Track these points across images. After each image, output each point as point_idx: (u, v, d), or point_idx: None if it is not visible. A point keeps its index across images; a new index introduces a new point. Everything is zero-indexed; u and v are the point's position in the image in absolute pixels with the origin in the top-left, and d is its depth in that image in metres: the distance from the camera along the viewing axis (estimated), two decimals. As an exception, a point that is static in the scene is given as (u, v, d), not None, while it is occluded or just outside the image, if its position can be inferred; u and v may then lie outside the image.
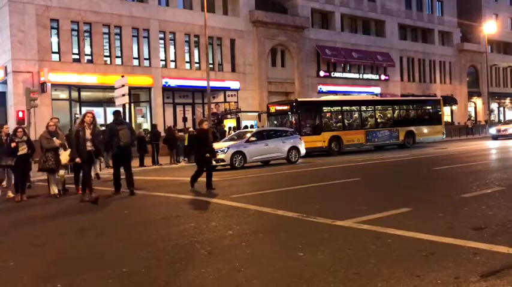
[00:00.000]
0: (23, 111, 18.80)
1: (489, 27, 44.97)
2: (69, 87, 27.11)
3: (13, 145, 10.72)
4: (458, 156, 18.79)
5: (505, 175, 11.35)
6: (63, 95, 27.47)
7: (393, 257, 4.85)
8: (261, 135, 18.80)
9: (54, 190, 11.28)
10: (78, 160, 9.80)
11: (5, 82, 26.60)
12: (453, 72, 49.76)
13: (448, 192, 8.97)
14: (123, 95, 20.24)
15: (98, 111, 28.22)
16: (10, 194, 11.76)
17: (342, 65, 40.41)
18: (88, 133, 9.78)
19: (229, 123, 29.05)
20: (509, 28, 56.11)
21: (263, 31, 35.04)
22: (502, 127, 32.53)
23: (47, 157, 11.07)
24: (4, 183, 12.08)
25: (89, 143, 9.76)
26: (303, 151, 19.46)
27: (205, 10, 25.21)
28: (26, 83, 24.37)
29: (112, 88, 22.27)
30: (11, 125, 25.24)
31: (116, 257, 5.50)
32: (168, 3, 31.77)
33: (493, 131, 32.77)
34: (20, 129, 11.46)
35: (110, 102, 25.19)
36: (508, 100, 55.76)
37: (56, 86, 26.45)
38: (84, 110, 27.69)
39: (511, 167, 13.60)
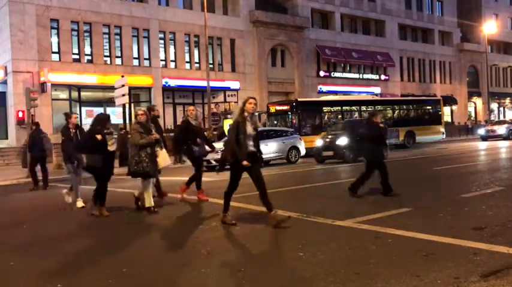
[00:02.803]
0: (23, 111, 18.81)
1: (489, 27, 44.93)
2: (69, 87, 27.10)
3: (99, 137, 7.90)
4: (458, 156, 18.80)
5: (505, 175, 11.35)
6: (63, 95, 27.47)
7: (393, 257, 4.85)
8: (261, 135, 18.76)
9: (151, 201, 8.30)
10: (245, 162, 6.48)
11: (5, 82, 26.60)
12: (453, 72, 49.75)
13: (448, 192, 8.97)
14: (123, 95, 20.23)
15: (98, 111, 28.32)
16: (80, 203, 9.39)
17: (342, 65, 40.40)
18: (250, 128, 6.71)
19: (229, 123, 29.04)
20: (509, 28, 56.08)
21: (263, 31, 35.03)
22: (490, 128, 32.26)
23: (140, 157, 8.12)
24: (69, 199, 9.61)
25: (250, 142, 6.72)
26: (303, 151, 19.46)
27: (205, 10, 25.22)
28: (26, 83, 24.35)
29: (112, 88, 22.26)
30: (11, 126, 25.53)
31: (116, 257, 5.50)
32: (168, 3, 31.76)
33: (481, 131, 32.51)
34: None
35: (110, 102, 25.20)
36: (508, 100, 55.74)
37: (56, 86, 26.44)
38: (84, 110, 27.83)
39: (511, 167, 13.60)
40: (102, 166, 8.01)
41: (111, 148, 8.17)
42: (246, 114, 6.70)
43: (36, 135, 13.74)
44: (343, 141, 17.95)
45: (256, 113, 7.37)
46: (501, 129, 30.87)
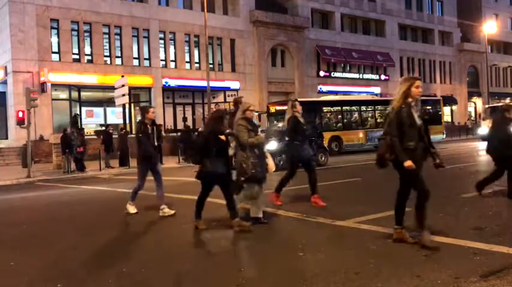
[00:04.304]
0: (23, 111, 18.77)
1: (489, 27, 44.93)
2: (69, 87, 27.10)
3: (222, 137, 6.52)
4: (458, 156, 18.78)
5: (504, 175, 11.33)
6: (63, 95, 27.47)
7: (393, 257, 4.85)
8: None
9: (259, 210, 6.92)
10: (409, 163, 5.06)
11: (5, 82, 26.60)
12: (453, 72, 49.75)
13: (448, 192, 8.96)
14: (123, 95, 20.25)
15: (98, 111, 28.33)
16: (167, 211, 8.03)
17: (342, 65, 40.40)
18: (417, 117, 5.44)
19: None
20: (509, 28, 56.08)
21: (263, 31, 35.04)
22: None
23: (249, 159, 6.69)
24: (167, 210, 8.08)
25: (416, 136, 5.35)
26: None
27: (205, 10, 25.22)
28: (26, 83, 24.34)
29: (112, 88, 22.27)
30: (11, 126, 25.53)
31: (116, 257, 5.50)
32: (168, 3, 31.77)
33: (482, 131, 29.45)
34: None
35: (110, 102, 25.20)
36: (508, 100, 55.66)
37: (56, 86, 26.44)
38: (84, 110, 27.84)
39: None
40: (226, 171, 6.55)
41: (231, 151, 6.74)
42: (410, 99, 5.37)
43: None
44: (272, 146, 16.01)
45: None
46: None
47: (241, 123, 6.73)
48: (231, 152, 6.70)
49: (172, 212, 7.95)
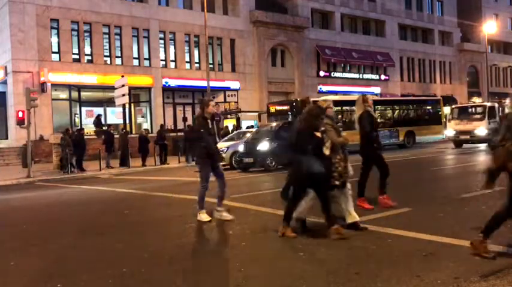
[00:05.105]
0: (23, 111, 18.78)
1: (489, 27, 44.92)
2: (69, 87, 27.10)
3: (318, 134, 5.89)
4: (458, 156, 18.79)
5: (504, 175, 11.32)
6: (63, 95, 27.47)
7: (393, 257, 4.85)
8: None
9: (354, 214, 6.20)
10: None
11: (5, 82, 26.60)
12: (453, 72, 49.76)
13: (448, 192, 8.96)
14: (123, 95, 20.27)
15: (98, 111, 28.32)
16: (225, 215, 7.22)
17: (342, 65, 40.40)
18: None
19: (229, 123, 29.02)
20: (509, 28, 56.08)
21: (263, 31, 35.04)
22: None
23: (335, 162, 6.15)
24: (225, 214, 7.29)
25: None
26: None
27: (205, 10, 25.22)
28: (26, 83, 24.34)
29: (112, 88, 22.28)
30: (11, 126, 25.52)
31: (116, 257, 5.50)
32: (168, 3, 31.77)
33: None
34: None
35: (110, 102, 25.21)
36: (508, 100, 55.69)
37: (56, 86, 26.44)
38: (84, 110, 27.85)
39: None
40: (323, 171, 5.83)
41: (327, 151, 6.09)
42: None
43: None
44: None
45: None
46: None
47: (327, 123, 6.23)
48: (327, 151, 6.07)
49: (231, 217, 7.15)
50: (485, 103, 27.17)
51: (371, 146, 7.52)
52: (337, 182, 6.05)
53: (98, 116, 26.90)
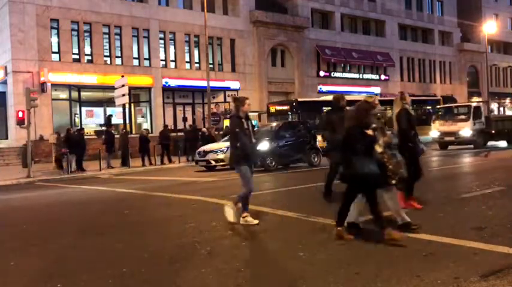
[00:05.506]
0: (23, 111, 18.79)
1: (489, 27, 44.92)
2: (69, 87, 27.10)
3: (369, 132, 5.55)
4: (458, 156, 18.79)
5: (504, 175, 11.34)
6: (63, 95, 27.47)
7: (393, 257, 4.85)
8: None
9: (404, 215, 5.98)
10: None
11: (5, 82, 26.60)
12: (453, 72, 49.77)
13: (448, 192, 8.96)
14: (123, 95, 20.27)
15: (98, 111, 28.34)
16: (249, 219, 6.81)
17: (342, 65, 40.41)
18: None
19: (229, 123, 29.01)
20: (509, 28, 56.09)
21: (263, 31, 35.04)
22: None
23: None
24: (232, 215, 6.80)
25: None
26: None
27: (205, 10, 25.24)
28: (26, 83, 24.35)
29: (112, 88, 22.28)
30: (11, 126, 25.52)
31: (116, 257, 5.50)
32: (168, 3, 31.77)
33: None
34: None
35: (110, 102, 25.21)
36: (508, 100, 55.73)
37: (56, 86, 26.45)
38: (84, 110, 27.85)
39: (511, 167, 13.59)
40: (374, 172, 5.47)
41: (379, 148, 5.65)
42: None
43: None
44: (264, 146, 15.55)
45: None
46: None
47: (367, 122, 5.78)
48: (379, 149, 5.66)
49: (256, 222, 6.78)
50: (470, 103, 25.99)
51: (407, 145, 7.31)
52: (393, 181, 5.72)
53: (109, 117, 26.89)
